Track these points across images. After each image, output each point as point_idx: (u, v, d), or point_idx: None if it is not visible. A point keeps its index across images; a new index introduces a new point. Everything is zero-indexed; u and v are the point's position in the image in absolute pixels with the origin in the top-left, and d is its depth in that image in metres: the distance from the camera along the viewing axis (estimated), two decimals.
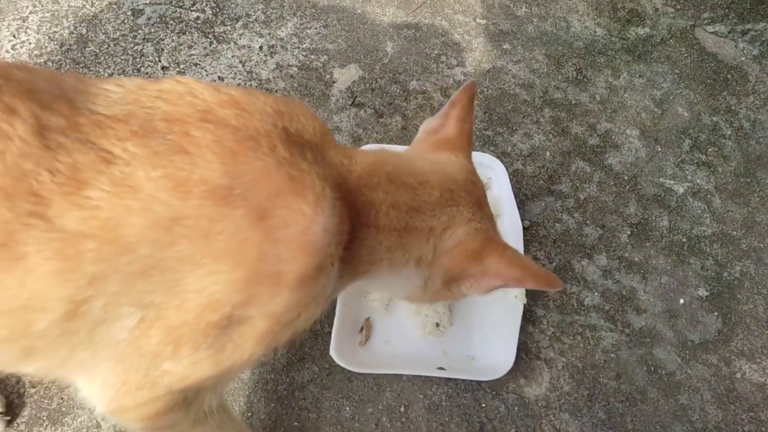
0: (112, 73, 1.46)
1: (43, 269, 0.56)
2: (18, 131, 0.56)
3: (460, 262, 0.83)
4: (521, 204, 1.41)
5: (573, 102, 1.55)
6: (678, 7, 1.70)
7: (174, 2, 1.58)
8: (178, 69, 1.49)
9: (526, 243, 1.36)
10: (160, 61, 1.50)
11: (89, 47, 1.50)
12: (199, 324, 0.63)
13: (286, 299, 0.67)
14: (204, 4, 1.59)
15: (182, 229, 0.59)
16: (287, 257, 0.65)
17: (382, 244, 0.79)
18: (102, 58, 1.49)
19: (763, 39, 1.67)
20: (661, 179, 1.48)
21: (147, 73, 1.48)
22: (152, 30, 1.54)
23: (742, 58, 1.64)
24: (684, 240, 1.41)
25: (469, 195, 0.86)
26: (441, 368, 1.19)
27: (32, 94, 0.59)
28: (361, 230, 0.77)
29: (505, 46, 1.61)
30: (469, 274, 0.84)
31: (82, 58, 1.48)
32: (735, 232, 1.43)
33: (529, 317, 1.30)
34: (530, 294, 1.30)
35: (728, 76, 1.62)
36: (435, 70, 1.57)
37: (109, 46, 1.51)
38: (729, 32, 1.68)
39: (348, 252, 0.75)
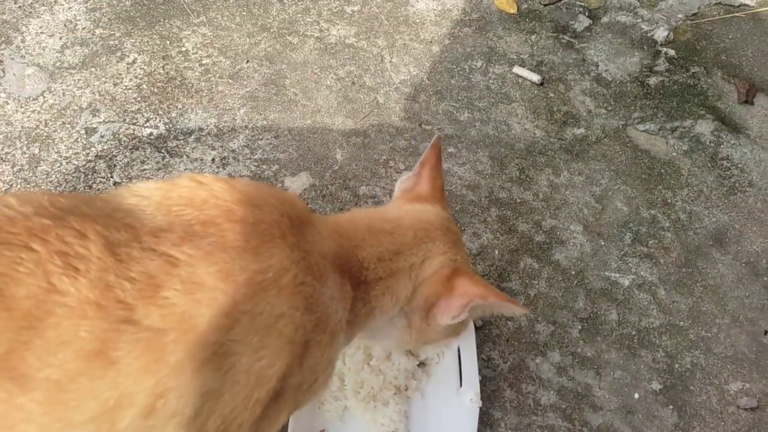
0: (63, 191, 1.48)
1: (132, 367, 0.61)
2: (93, 252, 0.63)
3: (435, 287, 0.90)
4: None
5: (518, 201, 1.61)
6: (609, 108, 1.82)
7: (128, 120, 1.63)
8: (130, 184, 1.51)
9: (480, 343, 1.36)
10: (112, 177, 1.52)
11: (41, 166, 1.52)
12: (248, 405, 0.69)
13: (312, 366, 0.76)
14: (158, 120, 1.64)
15: (236, 314, 0.67)
16: (311, 328, 0.75)
17: (371, 295, 0.88)
18: (54, 176, 1.51)
19: (692, 135, 1.78)
20: (606, 273, 1.52)
21: (98, 190, 1.49)
22: (105, 147, 1.57)
23: (674, 154, 1.75)
24: (633, 333, 1.43)
25: (444, 234, 0.95)
26: None
27: (89, 218, 0.67)
28: (358, 289, 0.86)
29: (450, 150, 1.68)
30: (440, 295, 0.90)
31: (33, 178, 1.50)
32: (682, 323, 1.46)
33: (486, 420, 1.28)
34: (486, 396, 1.29)
35: (662, 170, 1.71)
36: (384, 174, 1.63)
37: (61, 164, 1.53)
38: (659, 130, 1.79)
39: (350, 312, 0.85)
